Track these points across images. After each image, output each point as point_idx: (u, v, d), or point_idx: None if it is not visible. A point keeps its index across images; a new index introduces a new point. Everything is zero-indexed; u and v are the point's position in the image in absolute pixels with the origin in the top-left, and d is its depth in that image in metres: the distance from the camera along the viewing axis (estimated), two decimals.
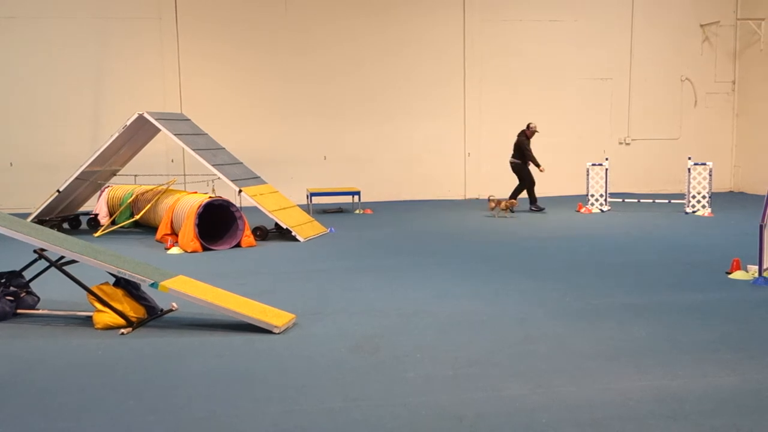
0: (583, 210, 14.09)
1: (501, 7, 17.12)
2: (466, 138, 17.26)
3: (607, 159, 14.67)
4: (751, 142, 17.86)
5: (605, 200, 14.18)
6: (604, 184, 14.13)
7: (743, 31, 17.84)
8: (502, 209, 13.33)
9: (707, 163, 13.47)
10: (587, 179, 14.29)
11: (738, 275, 7.62)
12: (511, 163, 14.27)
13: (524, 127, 14.25)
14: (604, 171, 14.14)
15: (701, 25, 17.93)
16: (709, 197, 13.38)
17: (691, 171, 13.46)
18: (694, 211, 13.40)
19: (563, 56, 17.35)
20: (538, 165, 13.91)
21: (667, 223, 12.28)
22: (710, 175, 13.35)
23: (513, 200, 13.58)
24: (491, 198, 13.63)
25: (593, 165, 14.32)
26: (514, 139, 14.18)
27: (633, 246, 9.89)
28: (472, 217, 13.68)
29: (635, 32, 17.70)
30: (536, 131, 14.17)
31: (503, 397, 4.33)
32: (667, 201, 14.40)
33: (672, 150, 17.67)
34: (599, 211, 13.99)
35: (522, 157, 14.05)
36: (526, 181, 14.13)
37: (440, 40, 16.99)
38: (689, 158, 13.78)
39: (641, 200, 14.73)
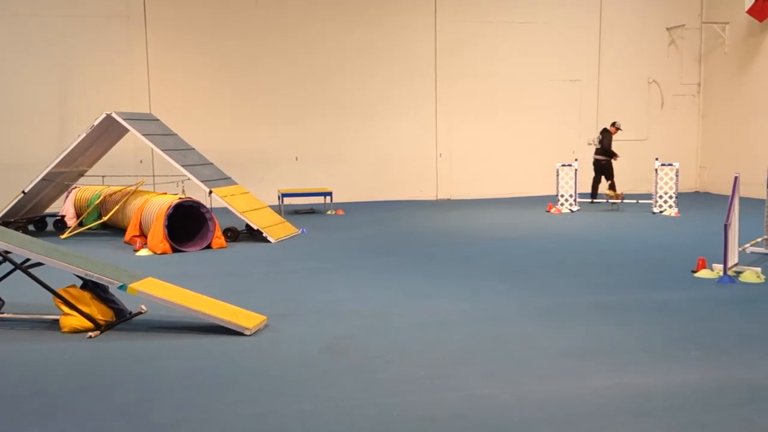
0: (553, 210, 14.23)
1: (472, 9, 17.20)
2: (438, 139, 17.33)
3: (576, 160, 14.86)
4: (715, 143, 18.21)
5: (575, 200, 14.34)
6: (573, 185, 14.29)
7: (708, 34, 18.19)
8: (616, 199, 14.28)
9: (674, 163, 13.70)
10: (557, 180, 14.44)
11: (703, 274, 7.77)
12: (600, 160, 14.86)
13: (608, 125, 15.07)
14: (574, 171, 14.30)
15: (667, 29, 18.23)
16: (676, 197, 13.60)
17: (658, 171, 13.67)
18: (661, 211, 13.61)
19: (533, 58, 17.51)
20: (614, 156, 14.72)
21: (635, 222, 12.47)
22: (677, 176, 13.57)
23: (618, 193, 14.51)
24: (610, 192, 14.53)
25: (563, 165, 14.47)
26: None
27: (602, 246, 10.02)
28: (444, 217, 13.74)
29: (603, 35, 17.93)
30: (620, 129, 14.96)
31: (476, 396, 4.35)
32: (635, 201, 14.61)
33: (639, 151, 17.92)
34: (569, 211, 14.14)
35: (606, 154, 14.73)
36: (610, 176, 14.86)
37: (411, 41, 17.03)
38: (656, 159, 14.01)
39: (610, 200, 14.92)
